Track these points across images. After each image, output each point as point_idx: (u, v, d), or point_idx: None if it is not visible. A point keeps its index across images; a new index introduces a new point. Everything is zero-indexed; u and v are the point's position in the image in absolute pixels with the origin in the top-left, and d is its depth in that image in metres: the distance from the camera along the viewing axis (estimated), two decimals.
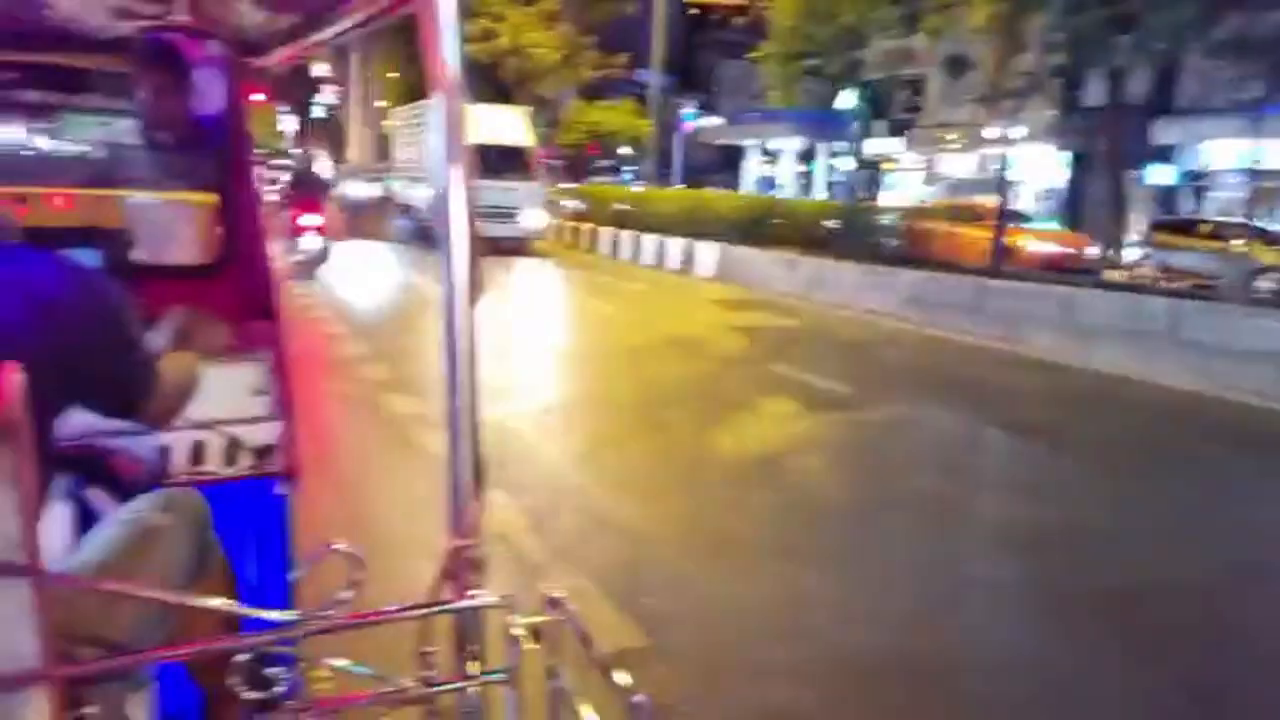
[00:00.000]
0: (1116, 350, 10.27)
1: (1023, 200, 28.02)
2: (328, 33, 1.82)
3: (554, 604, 1.24)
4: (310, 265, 12.85)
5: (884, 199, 33.29)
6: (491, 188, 18.81)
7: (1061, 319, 11.37)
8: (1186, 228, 19.32)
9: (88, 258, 2.14)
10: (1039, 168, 27.89)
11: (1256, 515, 5.54)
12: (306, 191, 14.85)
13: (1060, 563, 4.61)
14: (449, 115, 1.21)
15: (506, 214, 19.81)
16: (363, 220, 22.36)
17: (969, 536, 4.98)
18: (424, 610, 1.26)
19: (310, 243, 13.18)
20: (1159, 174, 24.31)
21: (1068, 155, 27.18)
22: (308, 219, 13.17)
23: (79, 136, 2.76)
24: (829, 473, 6.09)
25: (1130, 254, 20.70)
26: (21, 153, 3.15)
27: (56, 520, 1.54)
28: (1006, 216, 17.20)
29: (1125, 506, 5.55)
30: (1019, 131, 19.35)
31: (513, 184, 19.87)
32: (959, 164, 30.07)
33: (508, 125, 21.39)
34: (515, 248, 19.93)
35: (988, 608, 4.12)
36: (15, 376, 0.85)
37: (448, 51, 1.19)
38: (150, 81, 1.99)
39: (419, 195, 20.91)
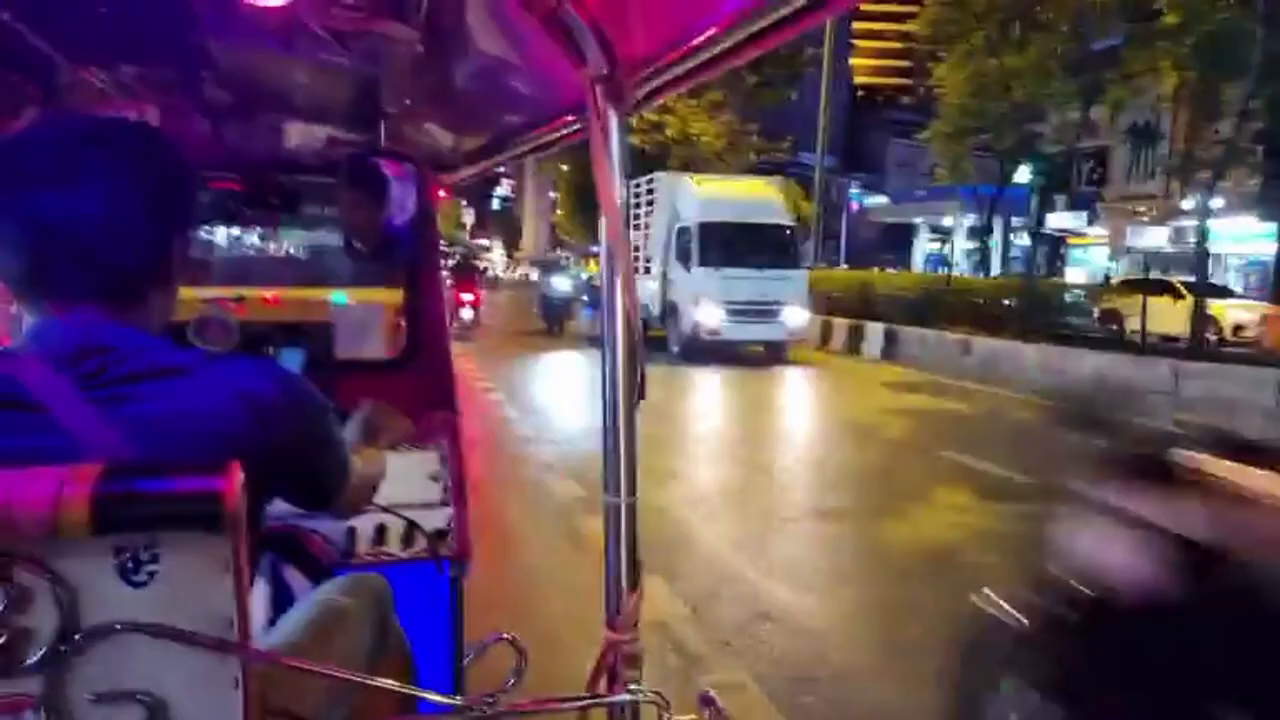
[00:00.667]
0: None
1: (1223, 276, 25.90)
2: (509, 155, 1.99)
3: (707, 702, 1.24)
4: (465, 330, 18.12)
5: (1068, 275, 31.68)
6: (743, 278, 15.96)
7: (1274, 403, 10.32)
8: None
9: (293, 354, 2.39)
10: (1242, 241, 25.75)
11: None
12: (465, 274, 21.06)
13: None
14: (611, 232, 1.29)
15: (763, 311, 16.16)
16: (563, 317, 21.58)
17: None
18: (582, 702, 1.30)
19: (466, 314, 19.19)
20: None
21: (1274, 226, 24.97)
22: (465, 296, 19.25)
23: (288, 244, 3.11)
24: (1005, 568, 5.70)
25: None
26: (240, 258, 3.57)
27: (258, 597, 1.70)
28: (1205, 291, 15.89)
29: None
30: (1217, 202, 17.96)
31: (772, 273, 16.40)
32: (1149, 237, 28.24)
33: (761, 200, 17.90)
34: (773, 355, 16.72)
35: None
36: (238, 474, 0.96)
37: (615, 178, 1.28)
38: (352, 197, 2.22)
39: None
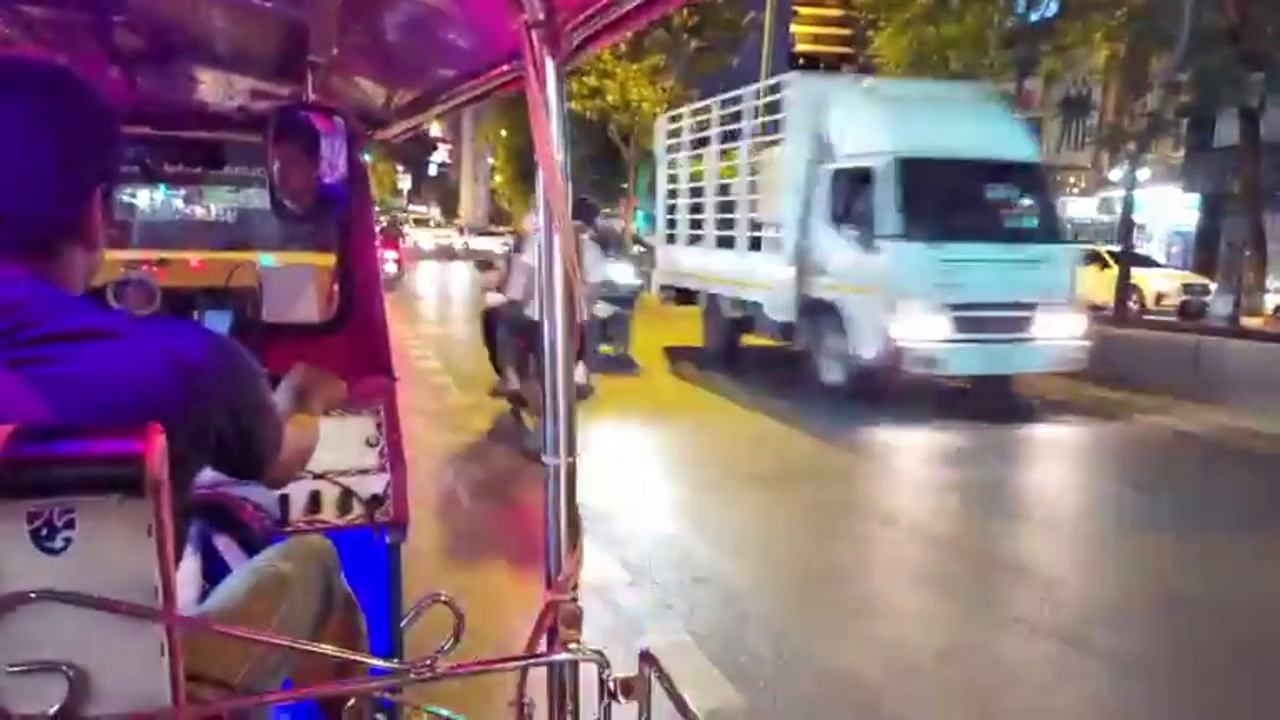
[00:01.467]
0: (1253, 402, 9.65)
1: (1150, 245, 26.84)
2: (444, 107, 1.94)
3: (647, 659, 1.25)
4: (389, 281, 18.47)
5: None
6: (983, 260, 8.83)
7: (1190, 369, 10.80)
8: None
9: (219, 318, 2.31)
10: (1165, 211, 26.66)
11: None
12: (389, 234, 23.52)
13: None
14: (550, 190, 1.27)
15: (1014, 320, 8.93)
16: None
17: (1090, 597, 4.71)
18: (519, 662, 1.29)
19: (391, 269, 19.62)
20: None
21: (1196, 197, 25.91)
22: (390, 254, 20.08)
23: (214, 205, 3.01)
24: (937, 532, 5.86)
25: (1272, 300, 19.47)
26: (164, 220, 3.45)
27: (189, 568, 1.66)
28: (1130, 260, 16.45)
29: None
30: (1143, 173, 18.55)
31: (1028, 251, 9.16)
32: (1080, 207, 29.06)
33: (994, 123, 10.20)
34: (1004, 398, 9.62)
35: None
36: (159, 436, 0.92)
37: (553, 129, 1.26)
38: (280, 154, 2.14)
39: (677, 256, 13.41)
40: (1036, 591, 4.70)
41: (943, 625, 4.31)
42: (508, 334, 7.09)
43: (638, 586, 4.44)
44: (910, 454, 7.91)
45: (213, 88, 2.08)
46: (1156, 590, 4.75)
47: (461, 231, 49.57)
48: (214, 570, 1.75)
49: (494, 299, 7.63)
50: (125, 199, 3.61)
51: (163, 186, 3.36)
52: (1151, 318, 18.36)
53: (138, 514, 0.93)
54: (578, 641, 1.31)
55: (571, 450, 1.36)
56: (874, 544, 5.56)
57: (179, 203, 3.17)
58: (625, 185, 36.07)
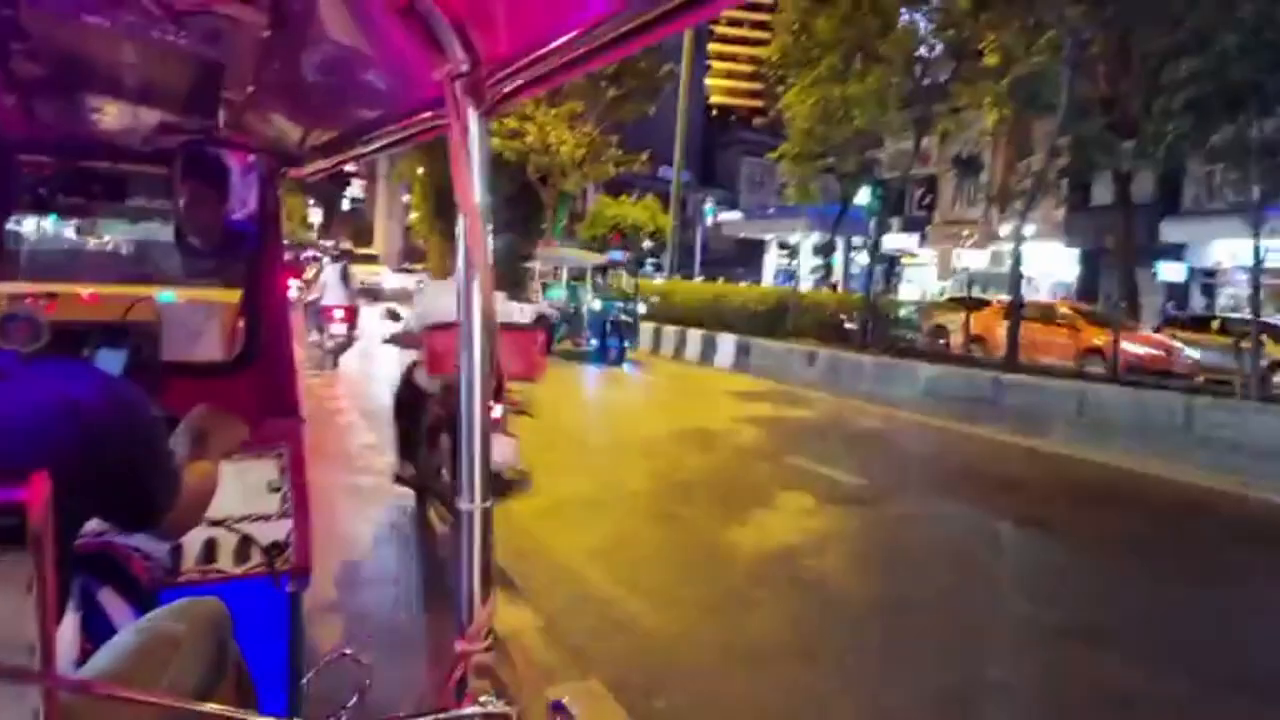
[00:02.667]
0: (1132, 445, 10.25)
1: (1036, 296, 28.27)
2: (362, 150, 1.92)
3: (558, 709, 1.23)
4: (337, 351, 13.69)
5: (902, 292, 33.70)
6: None
7: (1076, 414, 11.38)
8: (1198, 324, 19.41)
9: (113, 356, 2.21)
10: (1051, 263, 28.17)
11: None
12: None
13: (1076, 665, 4.47)
14: (470, 235, 1.27)
15: None
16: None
17: (981, 637, 4.86)
18: (430, 716, 1.26)
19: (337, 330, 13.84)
20: (1170, 270, 24.55)
21: (1077, 252, 27.49)
22: (339, 312, 13.98)
23: (113, 237, 2.88)
24: (845, 570, 5.98)
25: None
26: (55, 251, 3.28)
27: (69, 625, 1.55)
28: (1019, 311, 17.30)
29: (1145, 606, 5.41)
30: (1029, 229, 19.60)
31: None
32: (973, 259, 30.44)
33: None
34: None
35: (995, 711, 4.00)
36: (44, 484, 0.88)
37: (474, 177, 1.26)
38: (187, 188, 2.08)
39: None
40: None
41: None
42: (401, 407, 5.94)
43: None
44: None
45: (118, 119, 2.01)
46: None
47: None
48: (97, 628, 1.65)
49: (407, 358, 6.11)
50: (13, 228, 3.42)
51: (53, 215, 3.20)
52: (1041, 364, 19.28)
53: (17, 567, 0.87)
54: (489, 693, 1.28)
55: (486, 495, 1.34)
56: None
57: (73, 234, 3.02)
58: (544, 226, 36.13)
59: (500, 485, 5.41)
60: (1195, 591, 5.89)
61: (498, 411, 4.83)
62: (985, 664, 4.50)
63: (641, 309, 19.60)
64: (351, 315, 13.84)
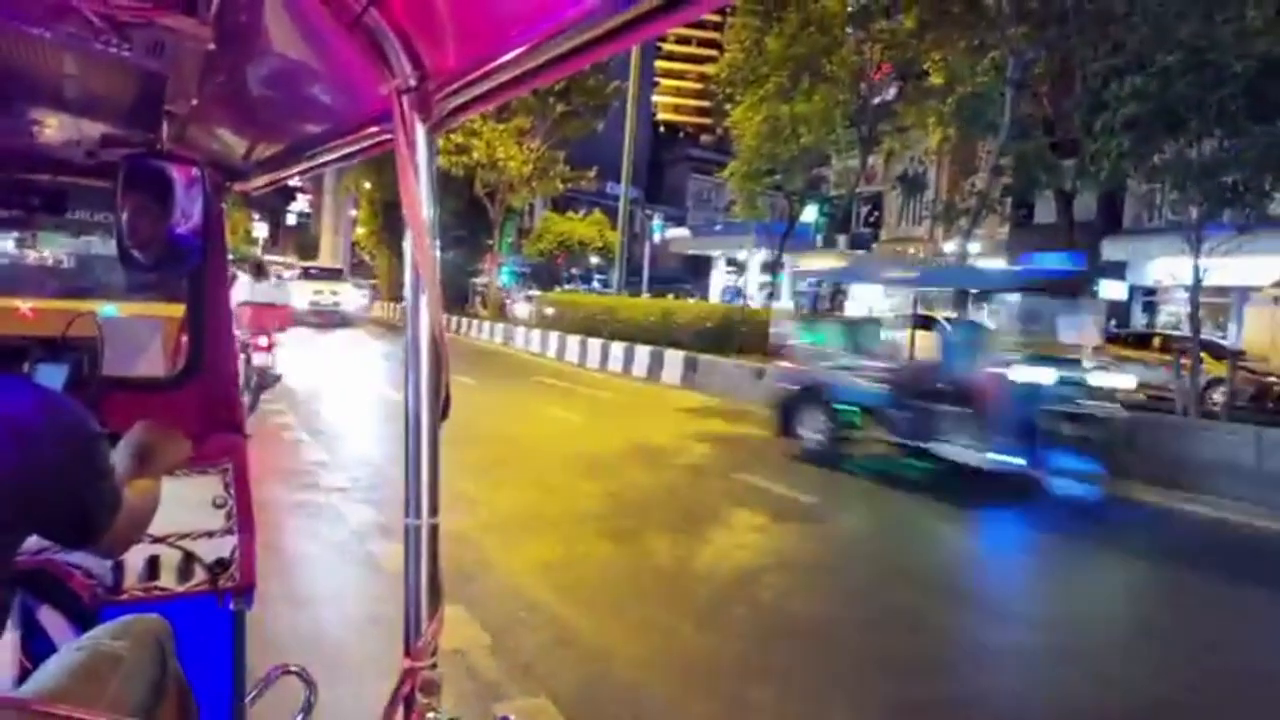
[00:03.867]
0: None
1: (981, 312, 28.93)
2: (309, 165, 1.91)
3: None
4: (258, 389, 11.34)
5: (848, 309, 34.24)
6: None
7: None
8: (1139, 341, 20.00)
9: (53, 371, 2.17)
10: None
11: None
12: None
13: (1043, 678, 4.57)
14: (418, 251, 1.27)
15: None
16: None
17: (932, 652, 4.95)
18: None
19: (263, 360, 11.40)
20: (1111, 289, 25.29)
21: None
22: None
23: (52, 250, 2.82)
24: (793, 586, 6.04)
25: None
26: None
27: (6, 644, 1.52)
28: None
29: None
30: (974, 246, 20.07)
31: None
32: None
33: None
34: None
35: None
36: None
37: (422, 192, 1.27)
38: (130, 201, 2.05)
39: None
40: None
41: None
42: None
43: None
44: None
45: (60, 131, 1.97)
46: None
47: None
48: (37, 647, 1.61)
49: None
50: None
51: None
52: None
53: None
54: (436, 710, 1.28)
55: (434, 511, 1.34)
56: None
57: (10, 246, 2.94)
58: (490, 242, 35.99)
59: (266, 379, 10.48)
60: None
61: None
62: (934, 678, 4.58)
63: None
64: (269, 321, 11.13)
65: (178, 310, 2.52)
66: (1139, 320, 25.44)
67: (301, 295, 26.91)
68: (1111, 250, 24.77)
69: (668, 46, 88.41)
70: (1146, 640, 5.32)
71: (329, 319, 28.98)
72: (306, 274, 32.13)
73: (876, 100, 22.13)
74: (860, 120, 21.99)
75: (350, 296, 32.71)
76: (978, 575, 6.81)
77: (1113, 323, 24.48)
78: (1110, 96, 12.08)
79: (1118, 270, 25.24)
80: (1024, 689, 4.50)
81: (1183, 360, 13.33)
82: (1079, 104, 14.64)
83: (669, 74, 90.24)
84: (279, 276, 13.96)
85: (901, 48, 20.33)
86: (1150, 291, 25.55)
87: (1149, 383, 16.30)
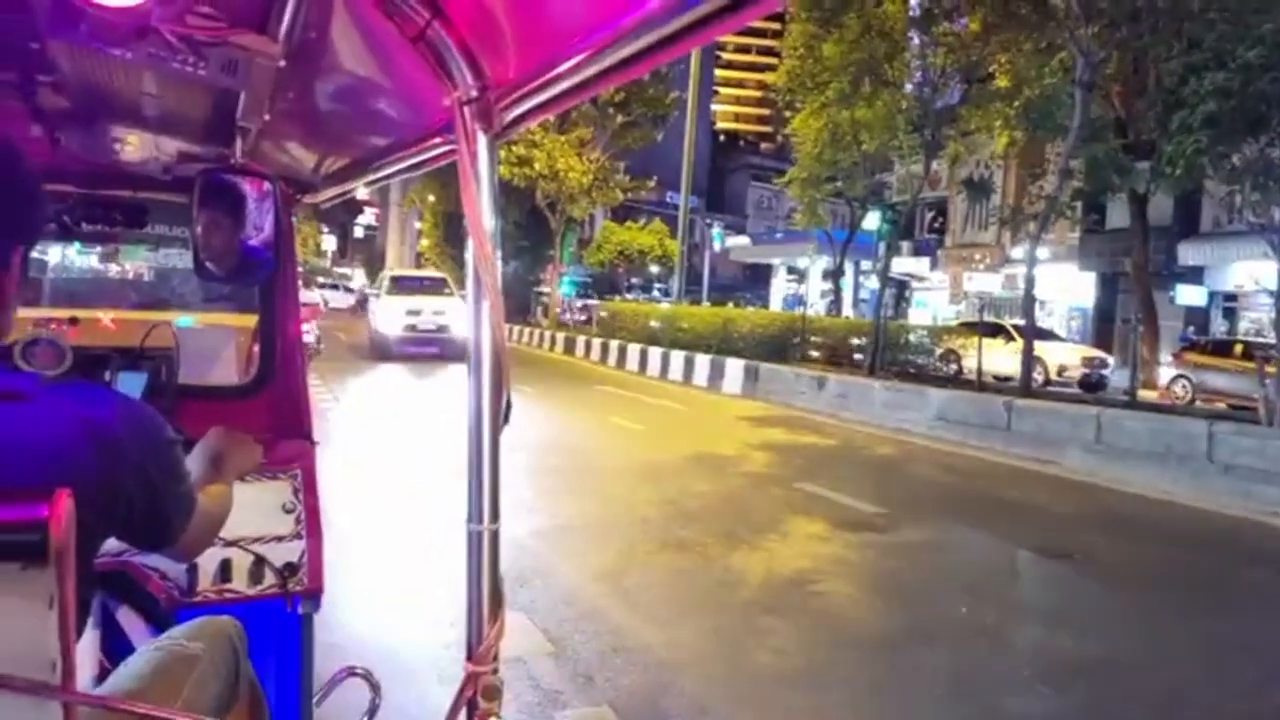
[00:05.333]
0: (1151, 472, 10.14)
1: (1051, 320, 28.16)
2: (374, 177, 1.96)
3: None
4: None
5: (912, 316, 33.68)
6: None
7: (1094, 439, 11.27)
8: (1219, 348, 19.23)
9: (132, 380, 2.25)
10: (1065, 288, 28.08)
11: None
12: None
13: (1098, 697, 4.42)
14: (480, 259, 1.29)
15: None
16: None
17: (1000, 668, 4.81)
18: None
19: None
20: (1189, 294, 24.37)
21: (1093, 275, 27.39)
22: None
23: (132, 264, 2.95)
24: (857, 597, 5.94)
25: (1164, 374, 20.55)
26: (77, 278, 3.35)
27: (88, 643, 1.57)
28: (1033, 334, 17.22)
29: (1168, 637, 5.35)
30: (1043, 252, 19.56)
31: None
32: (984, 283, 30.38)
33: None
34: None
35: None
36: (67, 502, 0.90)
37: (484, 201, 1.29)
38: (205, 215, 2.12)
39: None
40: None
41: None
42: None
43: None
44: None
45: (139, 148, 2.06)
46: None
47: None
48: (115, 646, 1.66)
49: None
50: (36, 255, 3.49)
51: (76, 244, 3.28)
52: (1054, 389, 19.17)
53: (39, 584, 0.89)
54: (497, 715, 1.29)
55: (495, 517, 1.35)
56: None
57: (94, 260, 3.08)
58: (552, 252, 36.33)
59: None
60: (1220, 624, 5.81)
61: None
62: (1001, 695, 4.45)
63: None
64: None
65: (250, 320, 2.60)
66: (1219, 327, 24.46)
67: (391, 317, 20.03)
68: (1188, 254, 23.91)
69: (727, 55, 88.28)
70: (1238, 666, 5.11)
71: (434, 347, 19.83)
72: (398, 285, 22.21)
73: (940, 104, 21.75)
74: (923, 125, 21.64)
75: (459, 315, 19.21)
76: (1049, 592, 6.61)
77: (1190, 329, 23.64)
78: (1188, 94, 11.65)
79: (1195, 275, 24.35)
80: (1101, 709, 4.35)
81: (1267, 368, 12.79)
82: (1154, 103, 14.19)
83: (728, 82, 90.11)
84: (345, 288, 14.45)
85: (965, 50, 19.94)
86: (1231, 297, 24.57)
87: (1231, 391, 15.66)
